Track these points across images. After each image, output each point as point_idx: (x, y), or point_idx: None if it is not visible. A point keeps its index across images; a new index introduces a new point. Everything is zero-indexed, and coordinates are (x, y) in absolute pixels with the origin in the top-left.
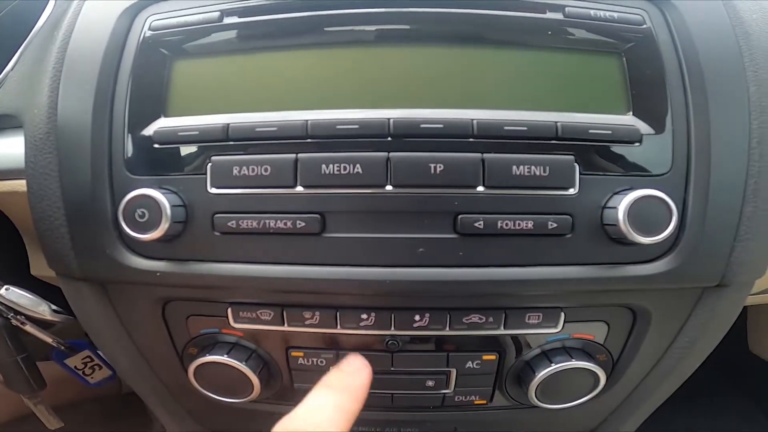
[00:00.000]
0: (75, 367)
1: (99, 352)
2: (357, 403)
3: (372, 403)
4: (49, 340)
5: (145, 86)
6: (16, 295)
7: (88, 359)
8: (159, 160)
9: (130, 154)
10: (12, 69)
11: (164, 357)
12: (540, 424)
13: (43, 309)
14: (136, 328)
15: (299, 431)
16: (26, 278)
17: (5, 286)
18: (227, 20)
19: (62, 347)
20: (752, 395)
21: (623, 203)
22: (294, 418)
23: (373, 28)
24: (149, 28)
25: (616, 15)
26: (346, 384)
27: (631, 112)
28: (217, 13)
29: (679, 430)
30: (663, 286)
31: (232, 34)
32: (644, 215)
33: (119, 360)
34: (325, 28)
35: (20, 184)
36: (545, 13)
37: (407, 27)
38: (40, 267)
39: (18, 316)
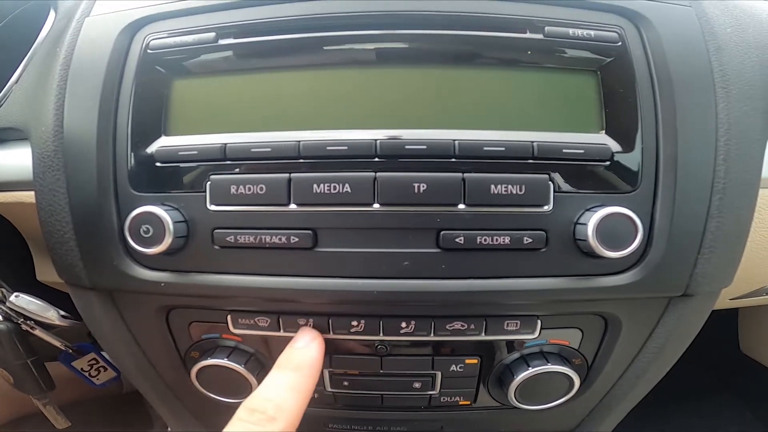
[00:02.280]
0: (81, 368)
1: (104, 354)
2: (309, 378)
3: (363, 403)
4: (57, 343)
5: (146, 105)
6: (25, 301)
7: (93, 361)
8: (161, 178)
9: (133, 172)
10: (16, 82)
11: (168, 360)
12: (521, 424)
13: (52, 314)
14: (141, 333)
15: (257, 409)
16: (30, 283)
17: (15, 293)
18: (222, 41)
19: (70, 350)
20: (743, 396)
21: (592, 220)
22: (252, 399)
23: (357, 47)
24: (148, 47)
25: (593, 33)
26: (296, 362)
27: (603, 131)
28: (213, 34)
29: (672, 430)
30: (631, 295)
31: (227, 54)
32: (611, 231)
33: (125, 363)
34: (315, 51)
35: (27, 195)
36: (525, 32)
37: (391, 48)
38: (45, 273)
39: (27, 321)
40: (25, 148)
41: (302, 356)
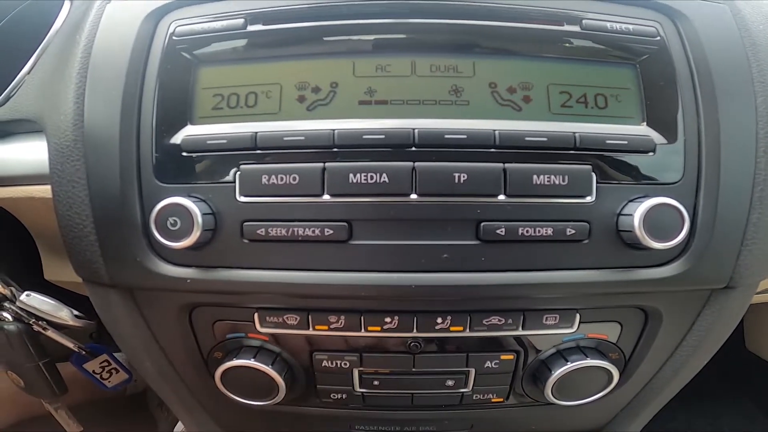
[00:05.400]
0: (93, 371)
1: (116, 356)
2: None
3: (392, 403)
4: (70, 344)
5: (172, 93)
6: (38, 301)
7: (105, 363)
8: (187, 168)
9: (158, 162)
10: (29, 72)
11: (190, 361)
12: (553, 421)
13: (65, 314)
14: (162, 333)
15: None
16: (36, 282)
17: (26, 292)
18: (252, 27)
19: (82, 351)
20: (749, 393)
21: (638, 211)
22: None
23: (397, 37)
24: (173, 34)
25: (631, 27)
26: None
27: (645, 123)
28: (242, 20)
29: (679, 428)
30: (674, 288)
31: (256, 41)
32: (658, 222)
33: (144, 364)
34: (350, 37)
35: (38, 190)
36: (563, 25)
37: (432, 38)
38: (54, 272)
39: (39, 322)
40: (34, 141)
41: None
